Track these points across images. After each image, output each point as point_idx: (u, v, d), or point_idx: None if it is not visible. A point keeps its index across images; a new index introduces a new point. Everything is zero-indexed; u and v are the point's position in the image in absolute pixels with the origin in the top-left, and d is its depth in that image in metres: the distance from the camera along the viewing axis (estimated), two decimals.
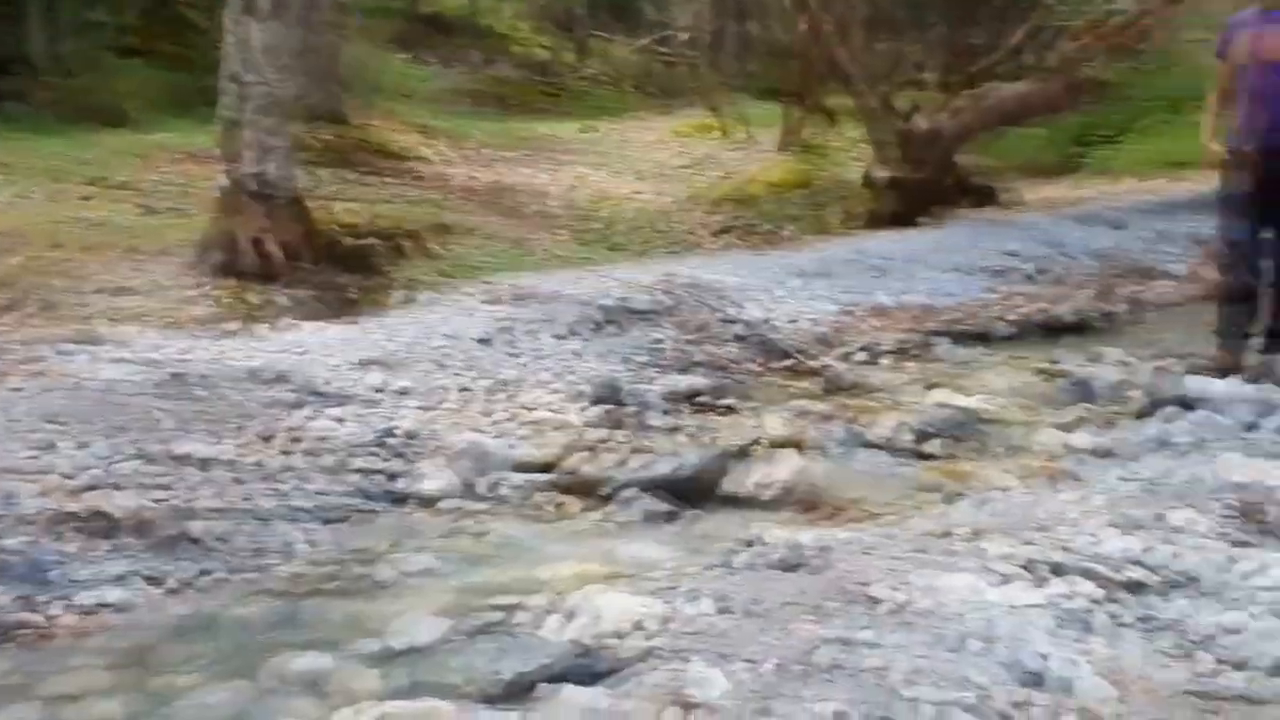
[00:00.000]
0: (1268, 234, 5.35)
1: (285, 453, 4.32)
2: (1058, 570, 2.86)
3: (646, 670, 2.57)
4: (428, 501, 4.16)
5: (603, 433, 4.95)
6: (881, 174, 10.00)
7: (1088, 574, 2.82)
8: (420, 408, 4.99)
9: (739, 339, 6.67)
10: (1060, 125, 14.23)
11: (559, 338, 6.15)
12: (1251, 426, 4.31)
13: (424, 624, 2.98)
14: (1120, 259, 9.32)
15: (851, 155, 12.14)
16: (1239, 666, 2.40)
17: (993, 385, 6.20)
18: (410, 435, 4.62)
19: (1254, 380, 4.95)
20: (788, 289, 7.75)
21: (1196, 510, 3.23)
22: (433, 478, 4.27)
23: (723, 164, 11.93)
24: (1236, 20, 5.45)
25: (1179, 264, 9.12)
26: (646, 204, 10.38)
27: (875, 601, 2.74)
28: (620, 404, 5.32)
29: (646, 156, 12.47)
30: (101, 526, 3.56)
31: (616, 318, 6.42)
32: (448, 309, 6.66)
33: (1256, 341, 5.47)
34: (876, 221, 9.84)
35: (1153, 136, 12.49)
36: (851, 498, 4.47)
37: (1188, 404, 4.68)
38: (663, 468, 4.36)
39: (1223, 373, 5.18)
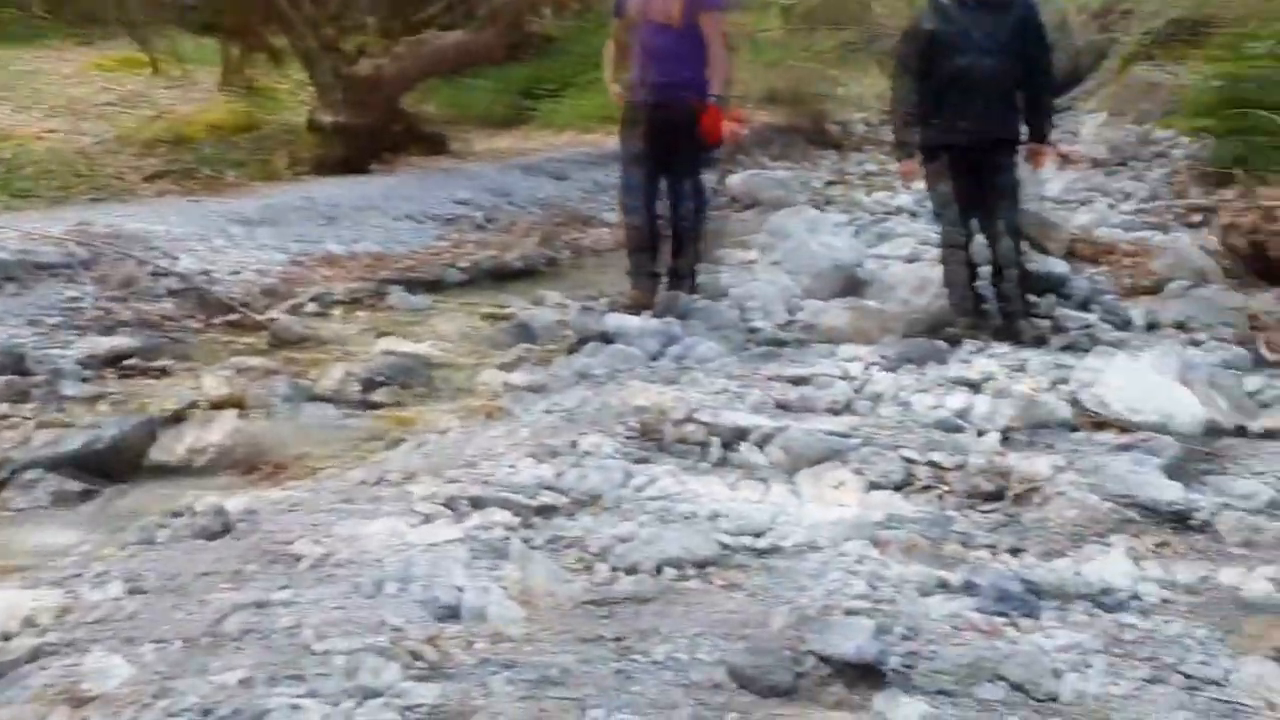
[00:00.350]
0: (666, 181, 5.93)
1: None
2: (477, 504, 2.97)
3: (35, 670, 2.31)
4: None
5: (2, 408, 4.37)
6: (326, 118, 9.74)
7: (504, 504, 2.97)
8: None
9: (174, 294, 6.19)
10: (509, 78, 14.77)
11: None
12: (656, 356, 4.78)
13: None
14: (562, 208, 9.91)
15: (300, 98, 11.71)
16: (630, 571, 2.66)
17: (443, 331, 6.34)
18: None
19: (659, 315, 5.50)
20: (230, 238, 7.31)
21: (604, 434, 3.52)
22: None
23: (155, 103, 10.94)
24: None
25: (612, 212, 9.91)
26: (62, 145, 9.24)
27: (297, 559, 2.68)
28: (25, 373, 4.72)
29: (62, 91, 11.07)
30: None
31: (17, 274, 5.65)
32: None
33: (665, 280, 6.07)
34: (325, 167, 9.58)
35: (591, 92, 13.36)
36: (295, 454, 4.34)
37: (608, 339, 5.09)
38: (75, 442, 3.93)
39: (636, 310, 5.70)
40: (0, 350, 4.78)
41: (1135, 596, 2.57)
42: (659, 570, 2.64)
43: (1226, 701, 2.15)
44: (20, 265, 5.71)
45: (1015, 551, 2.81)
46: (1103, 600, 2.54)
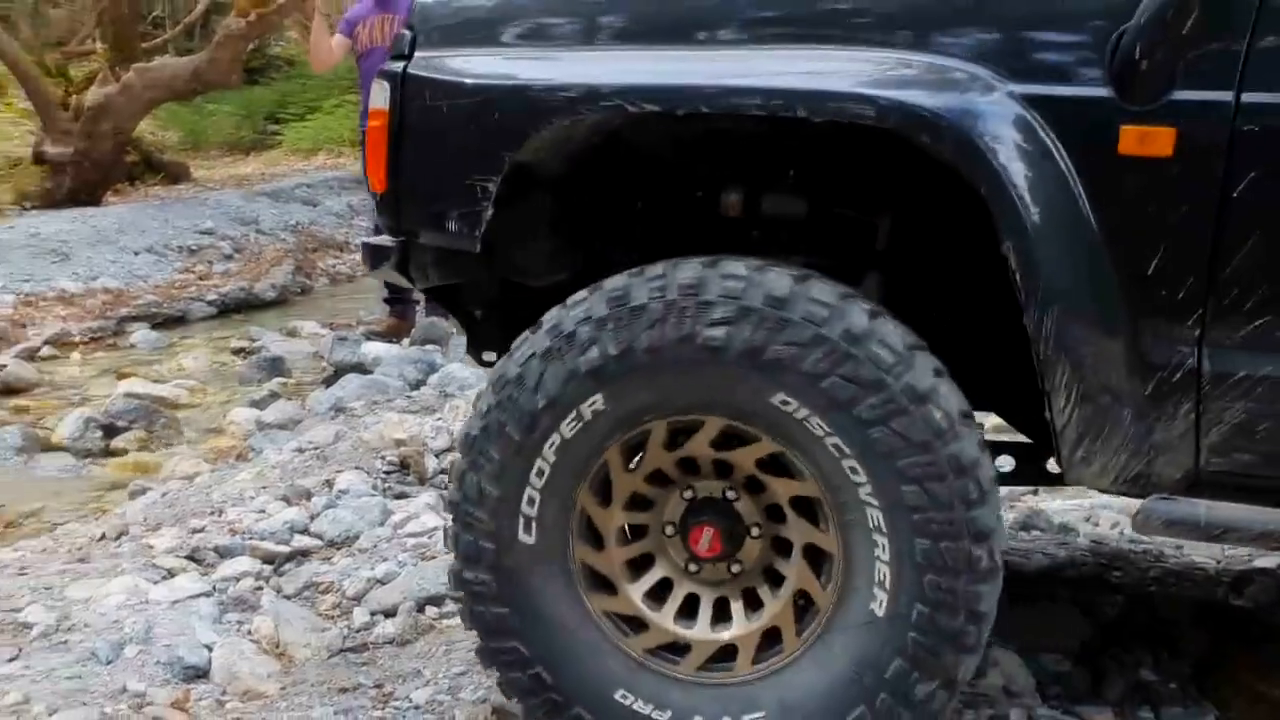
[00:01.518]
0: None
1: None
2: (224, 553, 2.89)
3: None
4: None
5: None
6: (53, 149, 9.15)
7: (254, 551, 2.89)
8: None
9: None
10: (253, 102, 14.28)
11: None
12: (417, 384, 4.76)
13: None
14: (315, 234, 9.68)
15: (25, 128, 10.94)
16: (389, 614, 2.63)
17: (189, 369, 6.09)
18: None
19: (418, 342, 5.47)
20: None
21: (361, 470, 3.48)
22: None
23: None
24: (358, 9, 5.94)
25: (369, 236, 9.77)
26: None
27: (26, 627, 2.53)
28: None
29: None
30: None
31: None
32: None
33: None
34: (55, 201, 8.99)
35: (340, 114, 13.09)
36: (28, 511, 4.08)
37: (365, 369, 5.03)
38: None
39: (393, 337, 5.65)
40: None
41: None
42: (421, 609, 2.62)
43: None
44: None
45: None
46: None
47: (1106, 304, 1.62)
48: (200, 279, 8.07)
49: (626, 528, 1.89)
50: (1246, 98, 1.54)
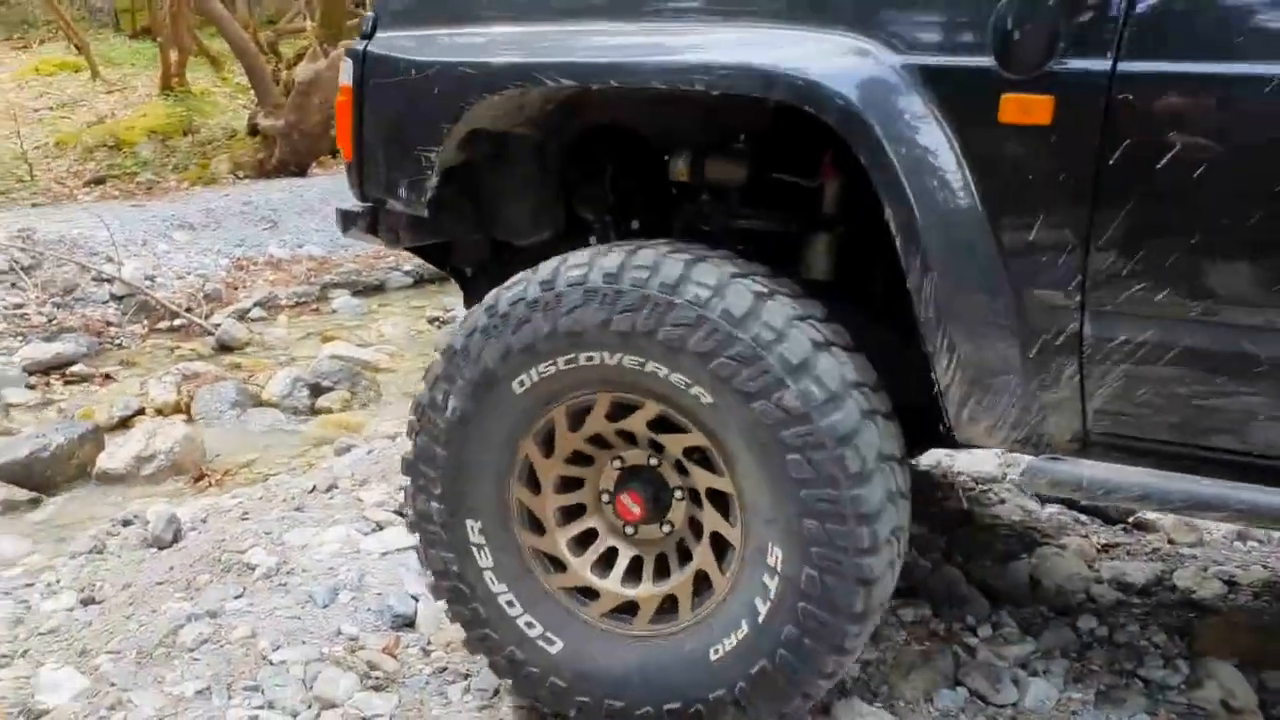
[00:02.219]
0: None
1: None
2: None
3: None
4: None
5: None
6: (266, 121, 9.67)
7: None
8: None
9: (117, 299, 6.15)
10: None
11: None
12: None
13: None
14: None
15: (240, 102, 11.61)
16: None
17: (389, 334, 6.36)
18: None
19: None
20: (173, 243, 7.27)
21: None
22: None
23: (95, 107, 10.79)
24: None
25: None
26: (2, 150, 9.09)
27: (250, 568, 2.70)
28: None
29: (1, 96, 10.90)
30: None
31: None
32: None
33: None
34: (266, 171, 9.51)
35: None
36: (244, 461, 4.36)
37: None
38: (22, 450, 3.92)
39: None
40: None
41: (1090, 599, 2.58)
42: None
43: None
44: None
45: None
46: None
47: (988, 270, 1.64)
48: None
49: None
50: (1122, 67, 1.53)
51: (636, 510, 1.92)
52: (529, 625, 1.97)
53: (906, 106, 1.65)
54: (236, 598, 2.56)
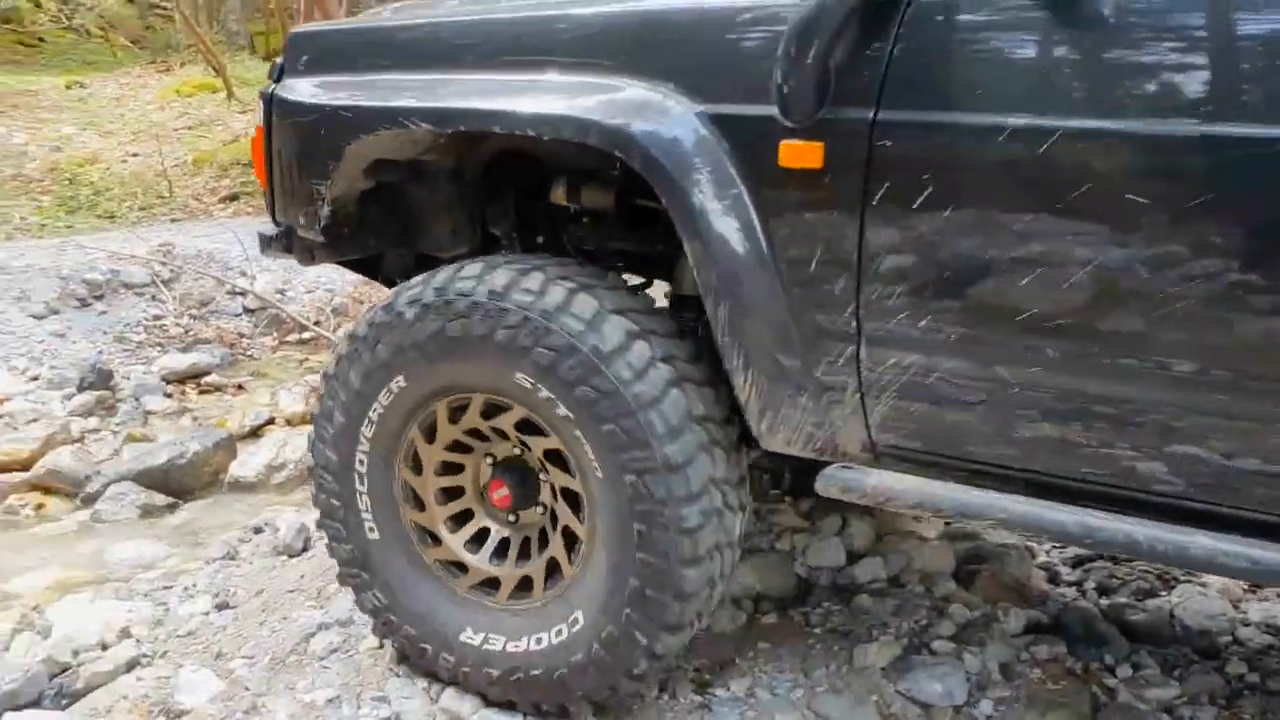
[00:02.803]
0: None
1: None
2: None
3: (131, 682, 2.40)
4: None
5: (92, 421, 4.53)
6: None
7: None
8: None
9: (250, 312, 6.36)
10: None
11: (36, 317, 5.50)
12: None
13: None
14: None
15: None
16: None
17: None
18: None
19: None
20: None
21: None
22: None
23: (230, 126, 11.23)
24: None
25: None
26: (144, 168, 9.52)
27: None
28: (112, 388, 4.89)
29: (144, 116, 11.42)
30: None
31: (105, 293, 5.84)
32: None
33: None
34: None
35: None
36: None
37: None
38: (161, 457, 4.06)
39: None
40: (92, 366, 4.94)
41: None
42: None
43: None
44: (108, 284, 5.90)
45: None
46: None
47: (776, 298, 1.82)
48: None
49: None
50: (882, 116, 1.69)
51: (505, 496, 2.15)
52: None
53: (700, 151, 1.83)
54: None
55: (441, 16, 2.23)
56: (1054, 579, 2.82)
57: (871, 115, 1.70)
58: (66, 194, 8.76)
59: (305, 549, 3.12)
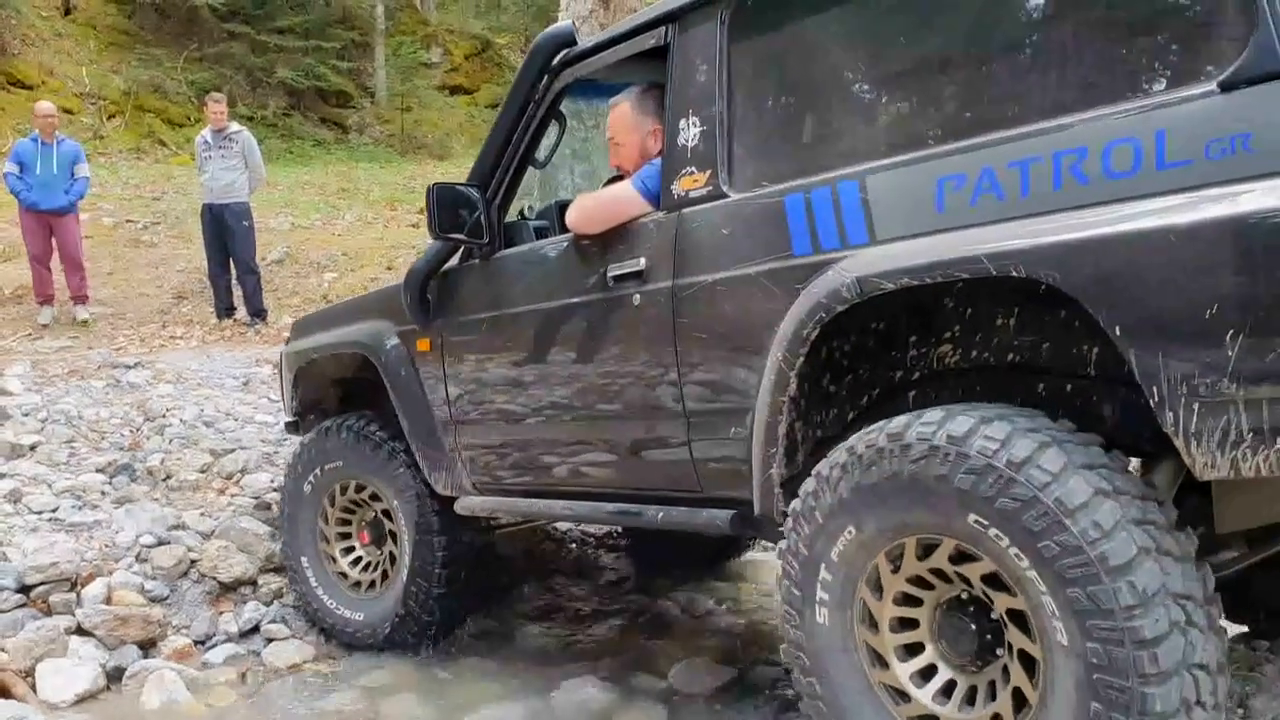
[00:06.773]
0: None
1: None
2: None
3: None
4: None
5: None
6: None
7: None
8: None
9: None
10: None
11: None
12: None
13: None
14: None
15: None
16: None
17: None
18: None
19: None
20: None
21: None
22: None
23: None
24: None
25: None
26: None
27: None
28: None
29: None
30: None
31: None
32: None
33: None
34: None
35: None
36: None
37: None
38: None
39: None
40: None
41: None
42: None
43: None
44: None
45: None
46: None
47: (430, 434, 3.48)
48: None
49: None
50: (440, 321, 3.38)
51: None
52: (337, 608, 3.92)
53: (396, 350, 3.54)
54: None
55: None
56: None
57: (444, 320, 3.36)
58: None
59: None
